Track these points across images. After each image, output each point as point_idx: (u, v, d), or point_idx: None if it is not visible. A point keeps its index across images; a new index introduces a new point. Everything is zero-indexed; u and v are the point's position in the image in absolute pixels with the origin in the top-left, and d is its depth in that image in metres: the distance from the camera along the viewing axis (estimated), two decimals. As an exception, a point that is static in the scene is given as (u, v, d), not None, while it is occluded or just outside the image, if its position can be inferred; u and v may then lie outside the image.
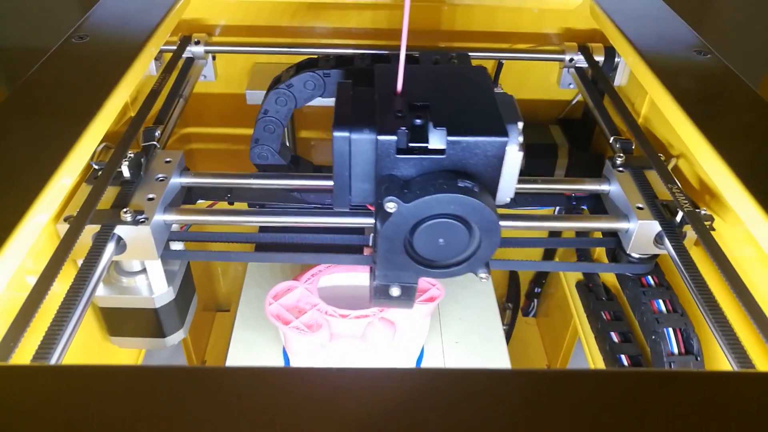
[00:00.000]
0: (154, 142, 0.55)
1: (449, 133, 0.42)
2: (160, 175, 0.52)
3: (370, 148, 0.43)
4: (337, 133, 0.43)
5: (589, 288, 0.70)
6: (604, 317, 0.65)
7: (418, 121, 0.43)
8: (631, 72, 0.68)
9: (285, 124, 0.58)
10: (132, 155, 0.51)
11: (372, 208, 0.48)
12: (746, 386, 0.28)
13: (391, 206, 0.42)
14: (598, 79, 0.70)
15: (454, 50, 0.76)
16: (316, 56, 0.59)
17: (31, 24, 1.62)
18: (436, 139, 0.42)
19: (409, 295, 0.48)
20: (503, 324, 0.98)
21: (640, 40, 0.63)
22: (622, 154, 0.56)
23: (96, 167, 0.51)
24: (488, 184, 0.44)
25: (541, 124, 0.82)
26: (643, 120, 0.66)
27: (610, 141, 0.59)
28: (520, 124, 0.44)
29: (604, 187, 0.56)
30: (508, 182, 0.45)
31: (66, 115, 0.49)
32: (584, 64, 0.73)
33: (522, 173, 0.85)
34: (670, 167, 0.55)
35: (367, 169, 0.44)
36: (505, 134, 0.42)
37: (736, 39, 1.63)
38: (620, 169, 0.55)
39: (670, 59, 0.60)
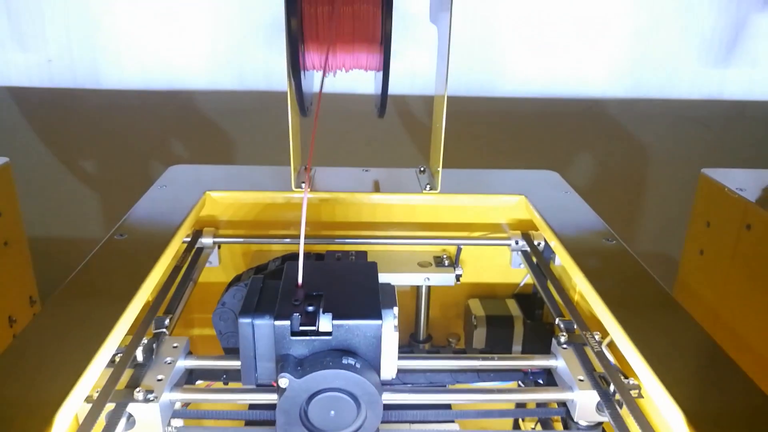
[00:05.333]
0: (164, 330, 0.64)
1: (334, 318, 0.51)
2: (168, 359, 0.60)
3: (270, 331, 0.51)
4: (241, 320, 0.52)
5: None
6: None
7: (310, 308, 0.52)
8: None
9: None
10: (146, 341, 0.60)
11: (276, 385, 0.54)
12: None
13: (283, 382, 0.49)
14: (539, 261, 0.83)
15: (424, 238, 0.90)
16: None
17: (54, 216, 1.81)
18: (324, 323, 0.51)
19: None
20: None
21: (561, 229, 0.78)
22: (565, 333, 0.66)
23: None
24: (371, 361, 0.52)
25: (499, 298, 0.95)
26: (578, 296, 0.78)
27: (556, 322, 0.69)
28: (395, 309, 0.53)
29: (551, 362, 0.65)
30: (390, 358, 0.53)
31: (106, 305, 0.58)
32: (528, 248, 0.86)
33: (484, 344, 0.94)
34: (605, 343, 0.64)
35: (269, 349, 0.52)
36: (379, 318, 0.51)
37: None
38: (564, 346, 0.65)
39: (584, 245, 0.74)
